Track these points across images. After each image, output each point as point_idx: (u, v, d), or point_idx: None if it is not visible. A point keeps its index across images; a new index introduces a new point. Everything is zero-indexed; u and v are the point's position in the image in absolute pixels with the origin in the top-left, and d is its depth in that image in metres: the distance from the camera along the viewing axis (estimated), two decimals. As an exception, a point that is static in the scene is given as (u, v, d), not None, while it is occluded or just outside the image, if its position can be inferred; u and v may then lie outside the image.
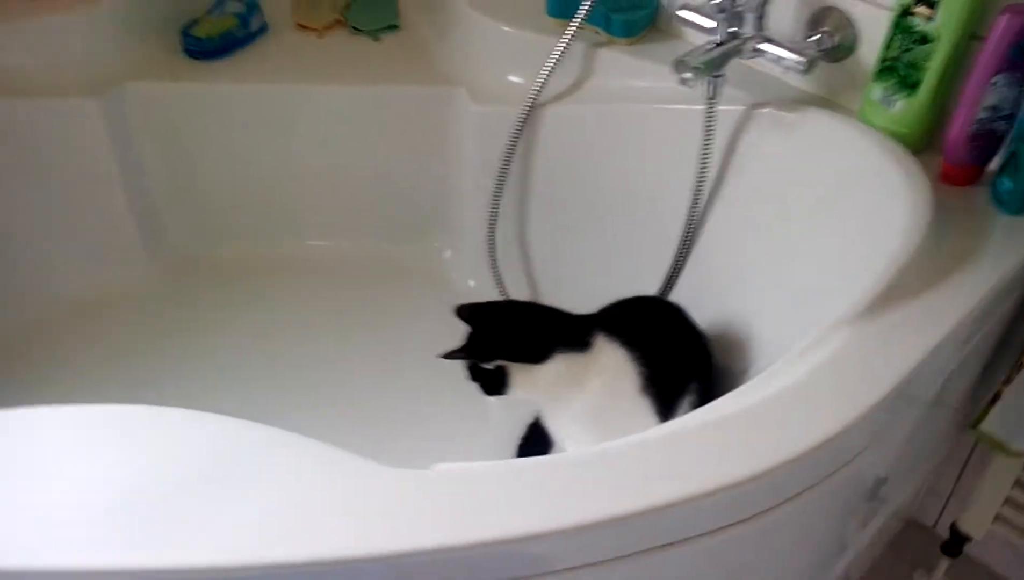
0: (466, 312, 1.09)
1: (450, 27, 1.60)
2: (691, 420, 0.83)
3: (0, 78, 1.46)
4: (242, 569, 0.67)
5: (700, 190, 1.27)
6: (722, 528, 0.78)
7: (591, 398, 1.05)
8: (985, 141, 1.08)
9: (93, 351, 1.53)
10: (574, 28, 1.32)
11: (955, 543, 1.39)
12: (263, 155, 1.62)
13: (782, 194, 1.19)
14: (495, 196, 1.48)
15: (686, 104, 1.30)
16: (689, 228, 1.32)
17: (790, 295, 1.12)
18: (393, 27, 1.68)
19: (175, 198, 1.64)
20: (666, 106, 1.33)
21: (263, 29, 1.66)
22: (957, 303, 0.94)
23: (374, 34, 1.67)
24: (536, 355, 1.03)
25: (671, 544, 0.77)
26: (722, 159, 1.28)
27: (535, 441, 1.33)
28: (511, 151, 1.44)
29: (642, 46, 1.41)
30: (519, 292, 1.58)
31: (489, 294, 1.61)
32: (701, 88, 1.22)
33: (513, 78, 1.52)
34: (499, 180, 1.46)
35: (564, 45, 1.34)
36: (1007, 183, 1.05)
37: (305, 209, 1.68)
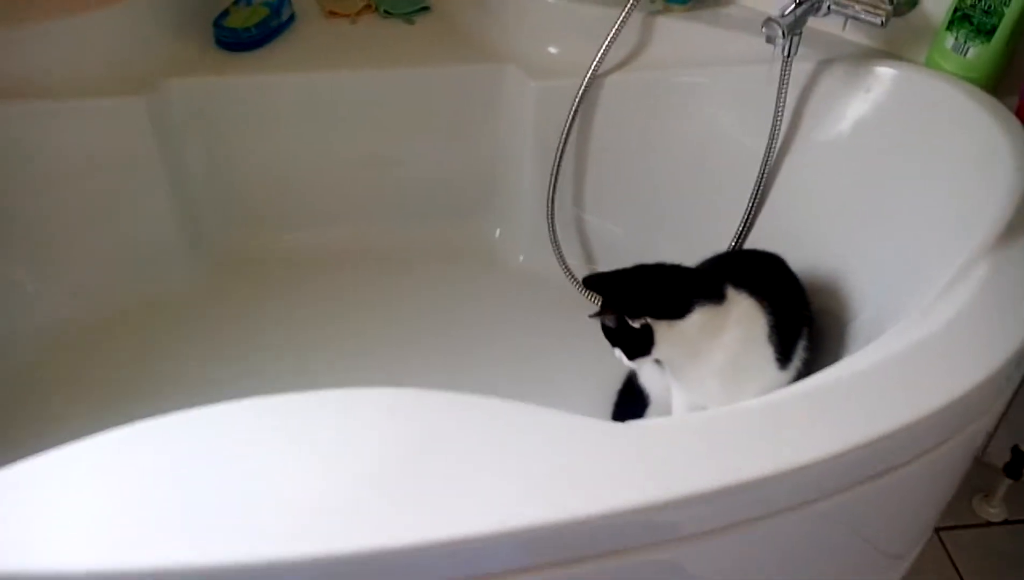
0: (594, 282, 1.12)
1: (490, 3, 1.61)
2: (843, 371, 0.85)
3: (33, 81, 1.41)
4: (510, 533, 0.68)
5: (772, 147, 1.32)
6: (858, 483, 0.81)
7: (729, 349, 1.08)
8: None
9: (145, 354, 1.49)
10: (633, -3, 1.35)
11: (1017, 465, 1.47)
12: (307, 146, 1.60)
13: (864, 144, 1.25)
14: (555, 169, 1.49)
15: (753, 65, 1.34)
16: (760, 185, 1.36)
17: (891, 244, 1.17)
18: (425, 8, 1.67)
19: (219, 194, 1.60)
20: (733, 69, 1.37)
21: (292, 18, 1.63)
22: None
23: (408, 17, 1.66)
24: (679, 310, 1.06)
25: (817, 499, 0.79)
26: (792, 115, 1.33)
27: (629, 404, 1.37)
28: (571, 123, 1.46)
29: (698, 12, 1.44)
30: (576, 263, 1.60)
31: (540, 268, 1.63)
32: (771, 47, 1.26)
33: (555, 50, 1.55)
34: (560, 153, 1.48)
35: (625, 13, 1.36)
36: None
37: (351, 197, 1.66)
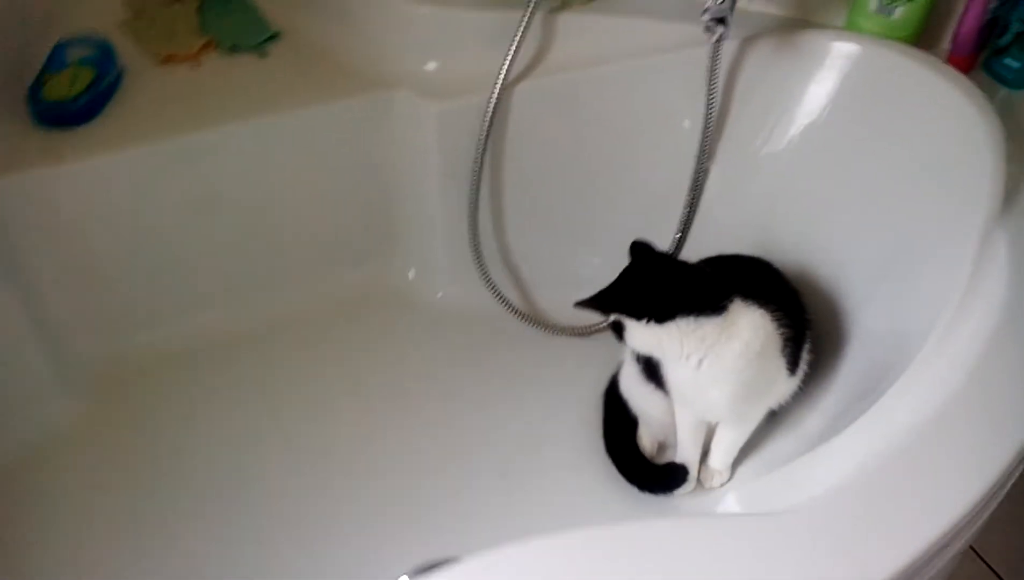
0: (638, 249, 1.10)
1: (349, 19, 1.42)
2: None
3: None
4: None
5: (707, 134, 1.26)
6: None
7: (739, 363, 1.03)
8: (988, 30, 1.17)
9: (42, 518, 1.21)
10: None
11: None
12: (175, 223, 1.35)
13: (813, 123, 1.22)
14: (475, 194, 1.36)
15: (671, 52, 1.26)
16: (697, 180, 1.30)
17: (866, 225, 1.15)
18: (274, 36, 1.45)
19: (79, 303, 1.32)
20: (650, 59, 1.29)
21: (121, 74, 1.36)
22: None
23: (258, 49, 1.43)
24: (659, 315, 1.01)
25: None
26: (723, 99, 1.27)
27: (618, 420, 1.29)
28: (483, 142, 1.32)
29: (600, 2, 1.34)
30: (504, 289, 1.48)
31: (462, 302, 1.50)
32: (685, 31, 1.20)
33: (434, 65, 1.39)
34: (477, 176, 1.34)
35: (528, 15, 1.24)
36: (1014, 63, 1.15)
37: (238, 269, 1.43)
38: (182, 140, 1.30)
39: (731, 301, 1.04)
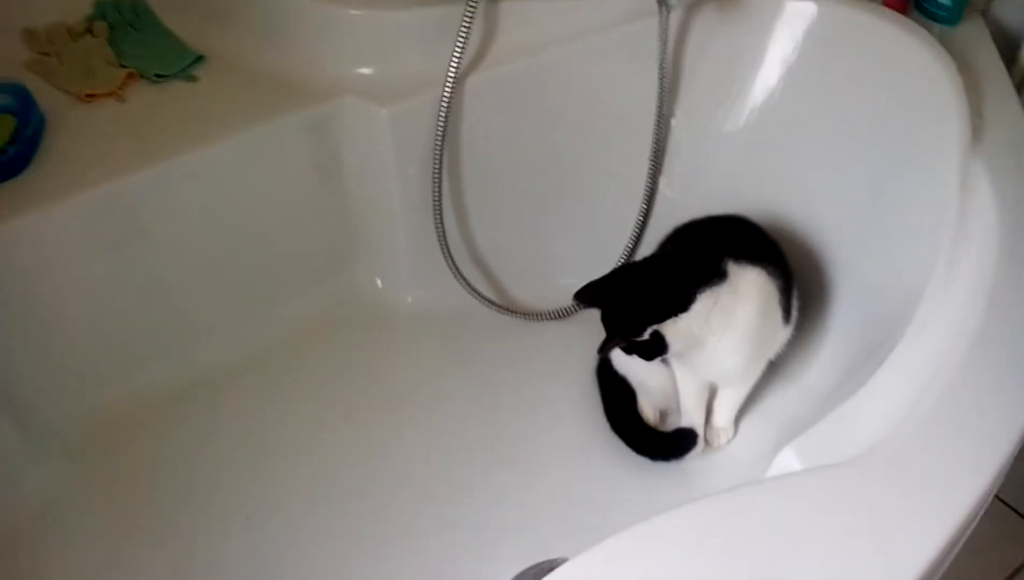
0: (587, 295, 1.06)
1: (279, 32, 1.37)
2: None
3: None
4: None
5: (663, 109, 1.28)
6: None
7: (746, 323, 1.05)
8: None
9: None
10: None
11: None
12: (128, 271, 1.27)
13: (768, 81, 1.24)
14: (437, 193, 1.33)
15: (620, 26, 1.27)
16: (657, 152, 1.31)
17: (833, 181, 1.18)
18: (200, 59, 1.38)
19: (41, 366, 1.23)
20: (602, 35, 1.29)
21: (43, 119, 1.26)
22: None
23: (185, 74, 1.36)
24: (681, 304, 1.01)
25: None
26: (677, 68, 1.29)
27: (616, 393, 1.30)
28: (443, 141, 1.30)
29: (536, -15, 1.33)
30: (477, 282, 1.46)
31: (432, 304, 1.48)
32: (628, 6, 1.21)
33: (370, 70, 1.36)
34: (437, 174, 1.32)
35: (472, 10, 1.22)
36: (946, 1, 1.21)
37: (202, 309, 1.36)
38: (123, 182, 1.22)
39: (726, 264, 1.06)
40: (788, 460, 0.79)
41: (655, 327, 1.01)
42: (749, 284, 1.06)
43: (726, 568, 0.65)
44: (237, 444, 1.29)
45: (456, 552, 1.16)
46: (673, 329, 1.02)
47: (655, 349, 1.03)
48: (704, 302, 1.02)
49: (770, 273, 1.08)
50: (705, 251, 1.08)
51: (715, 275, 1.04)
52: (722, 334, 1.05)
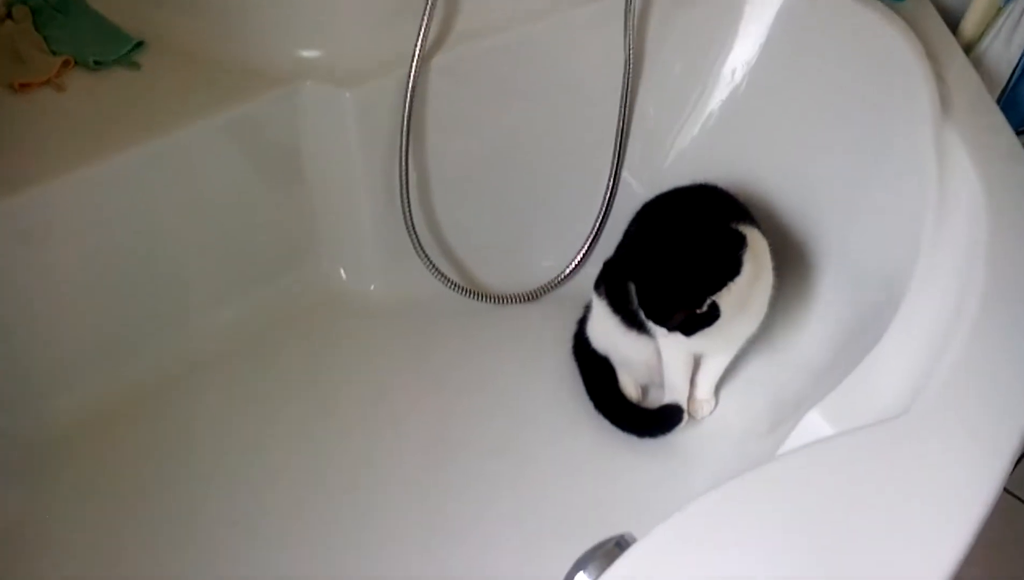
0: (618, 274, 1.10)
1: (224, 14, 1.29)
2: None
3: None
4: None
5: (629, 82, 1.28)
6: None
7: (766, 282, 1.09)
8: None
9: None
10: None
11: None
12: (76, 270, 1.18)
13: (738, 61, 1.26)
14: (403, 177, 1.29)
15: (587, 4, 1.26)
16: (622, 130, 1.32)
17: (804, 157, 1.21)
18: (139, 45, 1.29)
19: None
20: (564, 14, 1.27)
21: (-28, 112, 1.16)
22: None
23: (127, 60, 1.27)
24: (733, 269, 1.01)
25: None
26: (642, 45, 1.29)
27: (595, 369, 1.30)
28: (408, 122, 1.26)
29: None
30: (444, 267, 1.43)
31: (395, 293, 1.44)
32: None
33: (317, 52, 1.30)
34: (404, 157, 1.28)
35: (436, -13, 1.19)
36: (896, -19, 1.25)
37: (160, 308, 1.28)
38: (68, 178, 1.13)
39: (735, 226, 1.07)
40: (816, 424, 0.81)
41: (713, 297, 1.01)
42: (757, 241, 1.08)
43: (795, 537, 0.65)
44: (216, 443, 1.23)
45: (455, 544, 1.13)
46: (727, 296, 1.02)
47: (709, 319, 1.03)
48: (747, 265, 1.03)
49: (761, 232, 1.11)
50: (718, 218, 1.09)
51: (744, 238, 1.05)
52: (753, 297, 1.08)
